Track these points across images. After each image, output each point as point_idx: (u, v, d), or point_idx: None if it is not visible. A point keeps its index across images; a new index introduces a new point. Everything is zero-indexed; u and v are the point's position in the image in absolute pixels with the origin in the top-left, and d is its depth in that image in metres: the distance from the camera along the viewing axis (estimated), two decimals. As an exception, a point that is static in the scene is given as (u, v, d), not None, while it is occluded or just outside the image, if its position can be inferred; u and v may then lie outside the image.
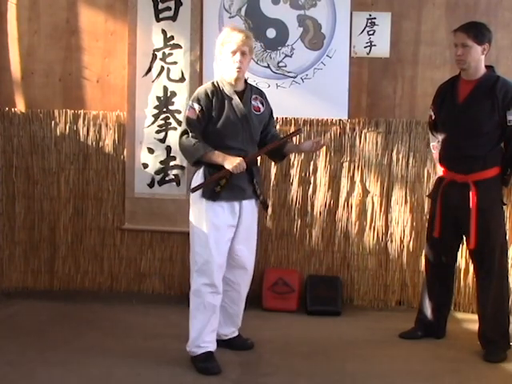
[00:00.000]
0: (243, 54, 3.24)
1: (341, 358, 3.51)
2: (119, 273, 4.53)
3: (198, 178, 3.28)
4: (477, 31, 3.44)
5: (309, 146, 3.41)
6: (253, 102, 3.37)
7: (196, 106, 3.26)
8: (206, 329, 3.26)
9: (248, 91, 3.38)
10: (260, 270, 4.28)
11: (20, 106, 4.45)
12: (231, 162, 3.19)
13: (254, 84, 3.59)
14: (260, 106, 3.40)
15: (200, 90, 3.35)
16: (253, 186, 3.36)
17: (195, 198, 3.31)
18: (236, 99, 3.29)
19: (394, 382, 3.25)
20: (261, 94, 3.47)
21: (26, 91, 4.44)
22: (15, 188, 4.49)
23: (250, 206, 3.39)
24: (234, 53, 3.23)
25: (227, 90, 3.30)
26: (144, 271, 4.51)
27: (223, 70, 3.32)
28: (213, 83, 3.34)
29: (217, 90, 3.30)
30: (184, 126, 3.30)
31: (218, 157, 3.22)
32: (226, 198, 3.27)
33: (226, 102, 3.28)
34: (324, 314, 4.17)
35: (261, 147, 3.43)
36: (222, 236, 3.27)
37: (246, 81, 3.41)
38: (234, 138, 3.27)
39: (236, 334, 3.57)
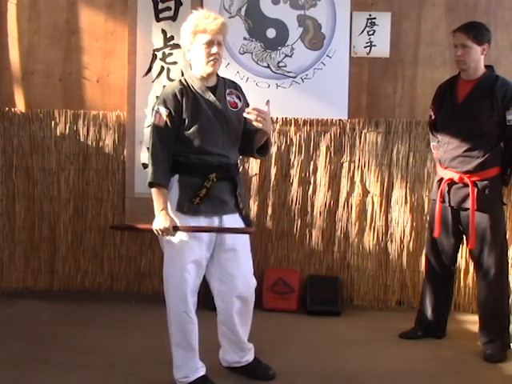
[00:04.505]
0: (219, 44, 2.84)
1: (341, 358, 3.51)
2: (119, 273, 4.53)
3: (172, 185, 2.92)
4: (476, 32, 3.44)
5: (257, 122, 2.83)
6: (228, 98, 2.95)
7: (163, 111, 2.85)
8: (192, 356, 3.03)
9: (221, 86, 2.96)
10: (260, 270, 4.29)
11: (20, 105, 4.45)
12: (160, 223, 2.82)
13: (229, 78, 3.13)
14: (237, 101, 2.98)
15: (166, 91, 2.92)
16: (235, 197, 2.98)
17: (169, 211, 2.91)
18: (211, 97, 2.89)
19: (393, 381, 3.26)
20: (235, 86, 3.05)
21: (26, 91, 4.43)
22: (15, 188, 4.49)
23: (233, 222, 2.98)
24: (210, 44, 2.81)
25: (198, 86, 2.89)
26: (144, 271, 4.51)
27: (194, 63, 2.91)
28: (180, 81, 2.94)
29: (186, 88, 2.89)
30: (151, 136, 2.89)
31: (159, 200, 2.85)
32: (205, 212, 2.90)
33: (200, 101, 2.88)
34: (324, 314, 4.17)
35: (243, 147, 3.07)
36: (196, 258, 2.93)
37: (217, 74, 2.98)
38: (213, 143, 2.89)
39: (251, 358, 3.21)
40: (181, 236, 2.91)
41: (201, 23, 2.82)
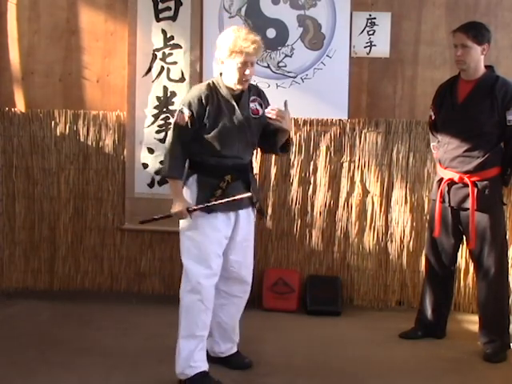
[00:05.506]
0: (252, 64, 3.02)
1: (341, 358, 3.51)
2: (119, 273, 4.53)
3: (191, 184, 3.11)
4: (476, 32, 3.44)
5: (278, 121, 3.05)
6: (251, 105, 3.14)
7: (186, 112, 3.02)
8: (198, 347, 3.07)
9: (246, 93, 3.13)
10: (260, 270, 4.28)
11: (20, 105, 4.45)
12: (175, 207, 3.04)
13: (254, 84, 3.31)
14: (259, 108, 3.15)
15: (193, 93, 3.09)
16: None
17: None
18: (234, 105, 3.07)
19: (393, 381, 3.26)
20: (259, 94, 3.23)
21: (26, 91, 4.43)
22: (15, 188, 4.49)
23: (246, 216, 3.18)
24: (244, 65, 2.98)
25: (224, 93, 3.07)
26: (144, 271, 4.51)
27: (226, 74, 3.06)
28: (208, 84, 3.09)
29: (212, 93, 3.05)
30: (170, 133, 3.09)
31: (174, 189, 3.08)
32: (222, 209, 3.06)
33: (223, 108, 3.05)
34: (324, 314, 4.17)
35: (262, 146, 3.30)
36: (216, 251, 3.08)
37: None
38: (229, 147, 3.06)
39: (234, 350, 3.34)
40: (205, 232, 3.05)
41: (238, 44, 2.97)
